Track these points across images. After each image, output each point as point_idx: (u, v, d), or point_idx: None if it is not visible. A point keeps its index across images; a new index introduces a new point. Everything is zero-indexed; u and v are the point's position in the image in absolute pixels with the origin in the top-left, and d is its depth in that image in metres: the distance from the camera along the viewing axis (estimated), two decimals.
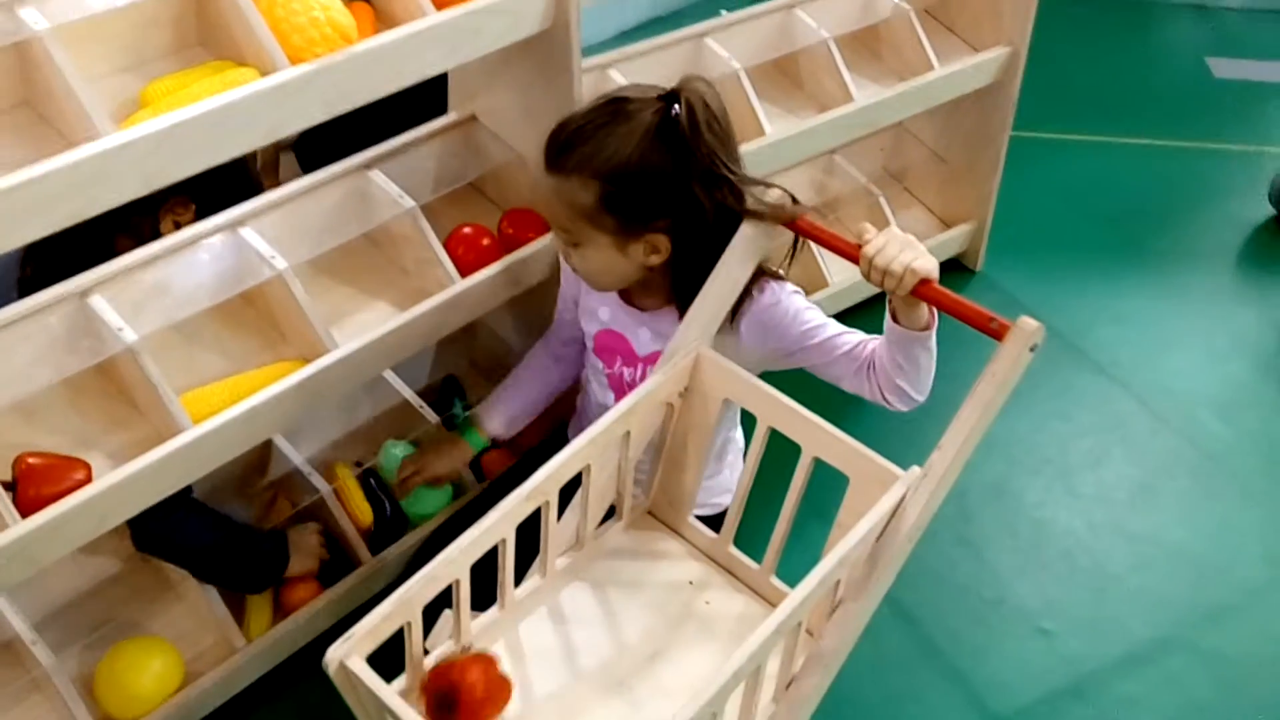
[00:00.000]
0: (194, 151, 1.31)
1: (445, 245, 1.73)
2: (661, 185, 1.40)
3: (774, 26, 2.18)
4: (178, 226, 1.68)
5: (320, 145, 2.06)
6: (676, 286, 1.50)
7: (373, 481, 1.90)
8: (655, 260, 1.46)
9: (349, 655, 1.09)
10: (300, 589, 1.75)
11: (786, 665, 1.24)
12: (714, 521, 1.45)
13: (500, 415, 1.77)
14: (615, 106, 1.41)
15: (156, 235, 1.69)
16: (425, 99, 1.99)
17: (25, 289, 1.49)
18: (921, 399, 1.42)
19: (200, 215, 1.66)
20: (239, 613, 1.72)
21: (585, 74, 1.72)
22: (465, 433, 1.79)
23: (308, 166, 2.11)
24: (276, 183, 2.20)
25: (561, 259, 1.64)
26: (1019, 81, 2.33)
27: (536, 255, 1.79)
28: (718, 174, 1.40)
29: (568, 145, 1.41)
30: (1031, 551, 2.05)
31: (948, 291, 1.26)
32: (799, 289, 1.51)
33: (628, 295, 1.58)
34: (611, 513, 1.45)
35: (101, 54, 1.37)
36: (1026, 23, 2.25)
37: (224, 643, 1.68)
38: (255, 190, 1.73)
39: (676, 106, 1.39)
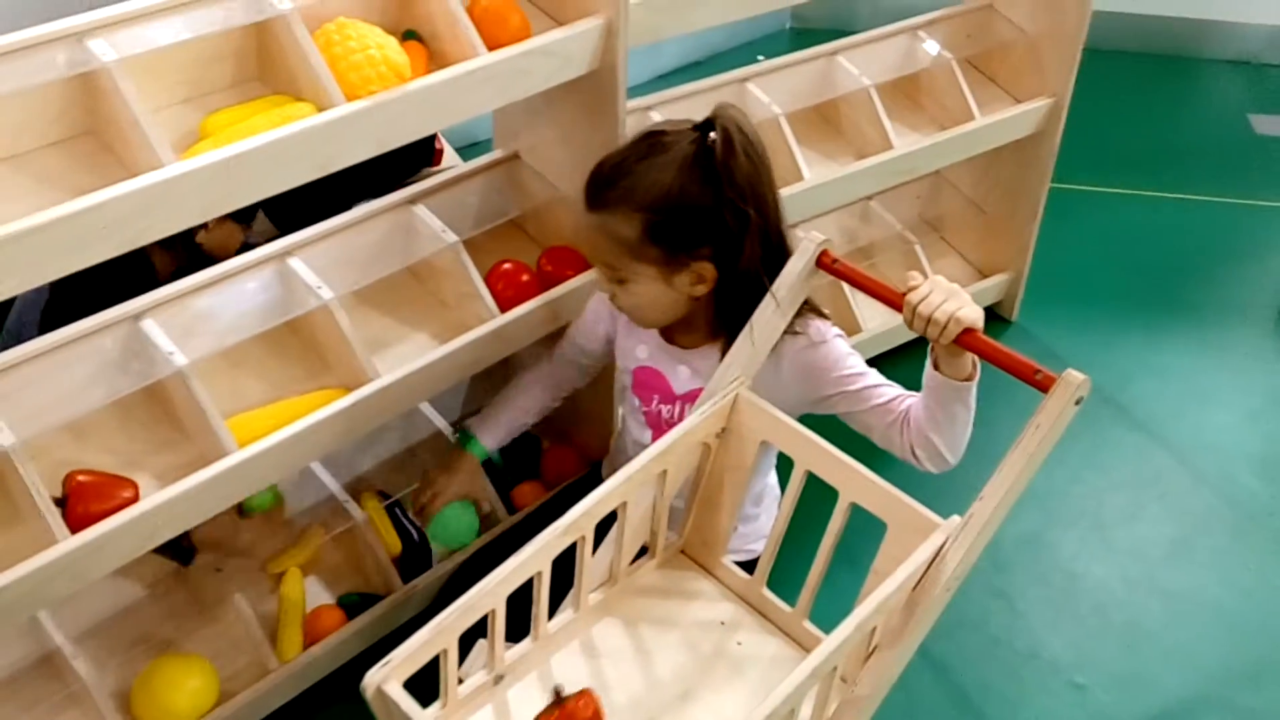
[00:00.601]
0: (251, 182, 1.34)
1: (485, 280, 1.76)
2: (703, 212, 1.42)
3: (816, 73, 2.20)
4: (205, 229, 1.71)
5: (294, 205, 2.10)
6: (720, 316, 1.51)
7: (398, 511, 1.92)
8: (701, 290, 1.47)
9: (386, 680, 1.10)
10: (326, 618, 1.77)
11: (820, 710, 1.24)
12: (748, 568, 1.45)
13: (496, 435, 1.81)
14: (652, 140, 1.44)
15: (190, 243, 1.73)
16: (401, 162, 2.05)
17: (47, 316, 1.51)
18: (952, 460, 1.41)
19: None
20: (272, 635, 1.73)
21: (628, 115, 1.74)
22: (468, 444, 1.80)
23: (282, 225, 2.15)
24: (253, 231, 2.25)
25: (600, 295, 1.66)
26: (1060, 133, 2.34)
27: (575, 292, 1.81)
28: (754, 199, 1.42)
29: (608, 181, 1.44)
30: (1065, 604, 2.04)
31: (992, 341, 1.26)
32: (842, 332, 1.52)
33: (668, 333, 1.59)
34: (644, 551, 1.46)
35: (164, 86, 1.41)
36: (1069, 74, 2.27)
37: (257, 664, 1.69)
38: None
39: (712, 134, 1.41)
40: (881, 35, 2.28)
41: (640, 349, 1.61)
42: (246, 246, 1.97)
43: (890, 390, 1.47)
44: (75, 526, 1.36)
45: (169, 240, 1.66)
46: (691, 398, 1.58)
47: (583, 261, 1.85)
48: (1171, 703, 1.89)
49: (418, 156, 2.27)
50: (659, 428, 1.64)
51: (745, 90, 2.09)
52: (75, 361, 1.46)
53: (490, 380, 2.10)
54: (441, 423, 2.00)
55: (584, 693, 1.24)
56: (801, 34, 3.55)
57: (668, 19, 1.74)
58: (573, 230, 1.86)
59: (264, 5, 1.39)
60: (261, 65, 1.48)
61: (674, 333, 1.58)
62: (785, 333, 1.47)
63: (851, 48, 2.23)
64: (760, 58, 2.22)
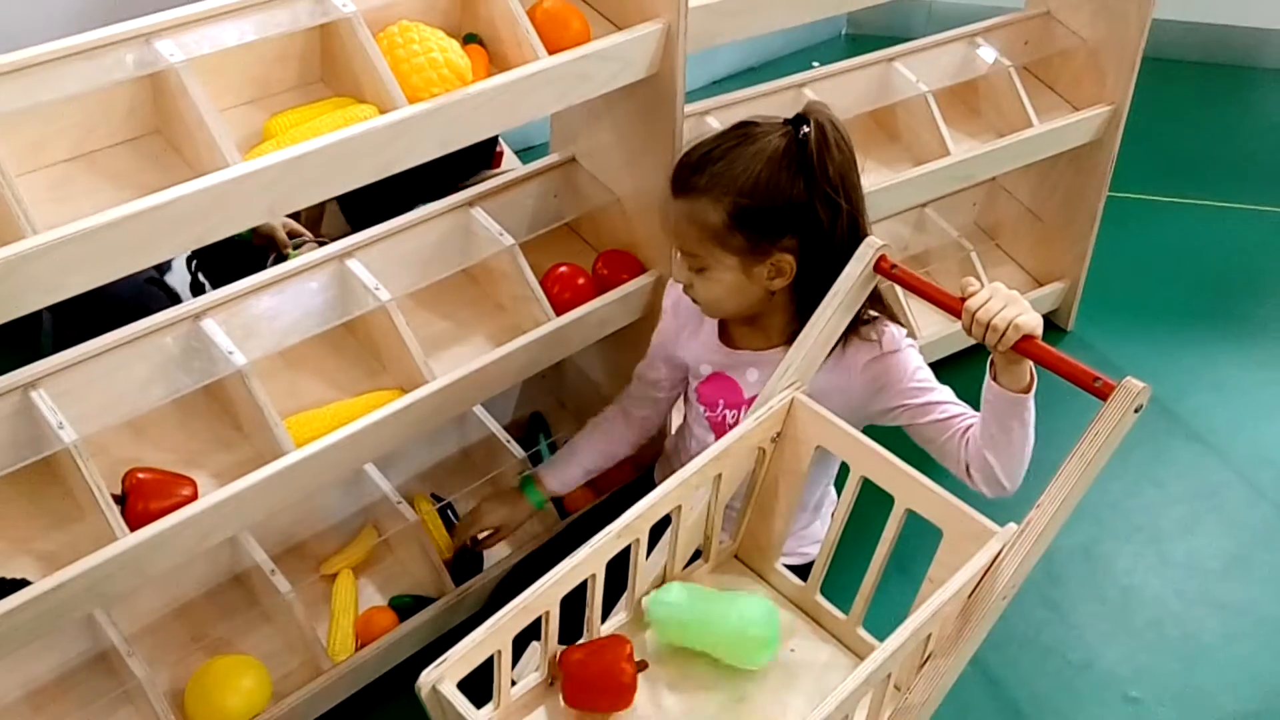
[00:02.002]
0: (314, 183, 1.36)
1: (541, 283, 1.76)
2: (789, 204, 1.42)
3: (873, 79, 2.19)
4: None
5: (367, 202, 2.11)
6: (800, 314, 1.50)
7: (451, 514, 1.92)
8: (779, 283, 1.47)
9: (441, 679, 1.11)
10: (378, 620, 1.78)
11: (873, 717, 1.23)
12: (800, 572, 1.45)
13: (561, 478, 1.78)
14: (744, 130, 1.45)
15: None
16: (462, 164, 2.06)
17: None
18: (1009, 486, 1.40)
19: None
20: (325, 636, 1.74)
21: (685, 120, 1.74)
22: (525, 488, 1.79)
23: (355, 222, 2.17)
24: (319, 232, 2.28)
25: (665, 309, 1.66)
26: (1118, 141, 2.31)
27: (630, 296, 1.81)
28: (844, 193, 1.43)
29: (698, 167, 1.44)
30: (1120, 617, 2.01)
31: (1050, 348, 1.25)
32: (914, 342, 1.52)
33: (731, 340, 1.58)
34: (698, 555, 1.46)
35: (229, 87, 1.43)
36: (1129, 83, 2.24)
37: (310, 664, 1.70)
38: None
39: (805, 127, 1.42)
40: (939, 42, 2.26)
41: (704, 367, 1.60)
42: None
43: (954, 408, 1.46)
44: (134, 524, 1.37)
45: None
46: None
47: (638, 265, 1.85)
48: (1227, 718, 1.86)
49: (478, 159, 2.28)
50: (723, 431, 1.62)
51: (802, 96, 2.08)
52: (136, 360, 1.48)
53: (544, 383, 2.11)
54: (495, 426, 2.00)
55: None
56: (857, 40, 3.53)
57: (726, 23, 1.74)
58: (628, 234, 1.87)
59: (328, 8, 1.40)
60: (325, 67, 1.49)
61: (742, 338, 1.58)
62: (859, 339, 1.47)
63: (909, 54, 2.21)
64: (815, 64, 2.21)
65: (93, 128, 1.35)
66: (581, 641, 1.29)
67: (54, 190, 1.31)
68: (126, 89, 1.33)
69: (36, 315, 1.26)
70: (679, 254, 1.51)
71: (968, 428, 1.42)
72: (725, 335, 1.60)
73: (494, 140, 2.36)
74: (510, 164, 2.48)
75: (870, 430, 1.39)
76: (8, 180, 1.19)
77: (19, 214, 1.18)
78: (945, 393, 1.48)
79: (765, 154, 1.42)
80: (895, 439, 1.39)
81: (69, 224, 1.20)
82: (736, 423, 1.59)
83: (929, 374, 1.50)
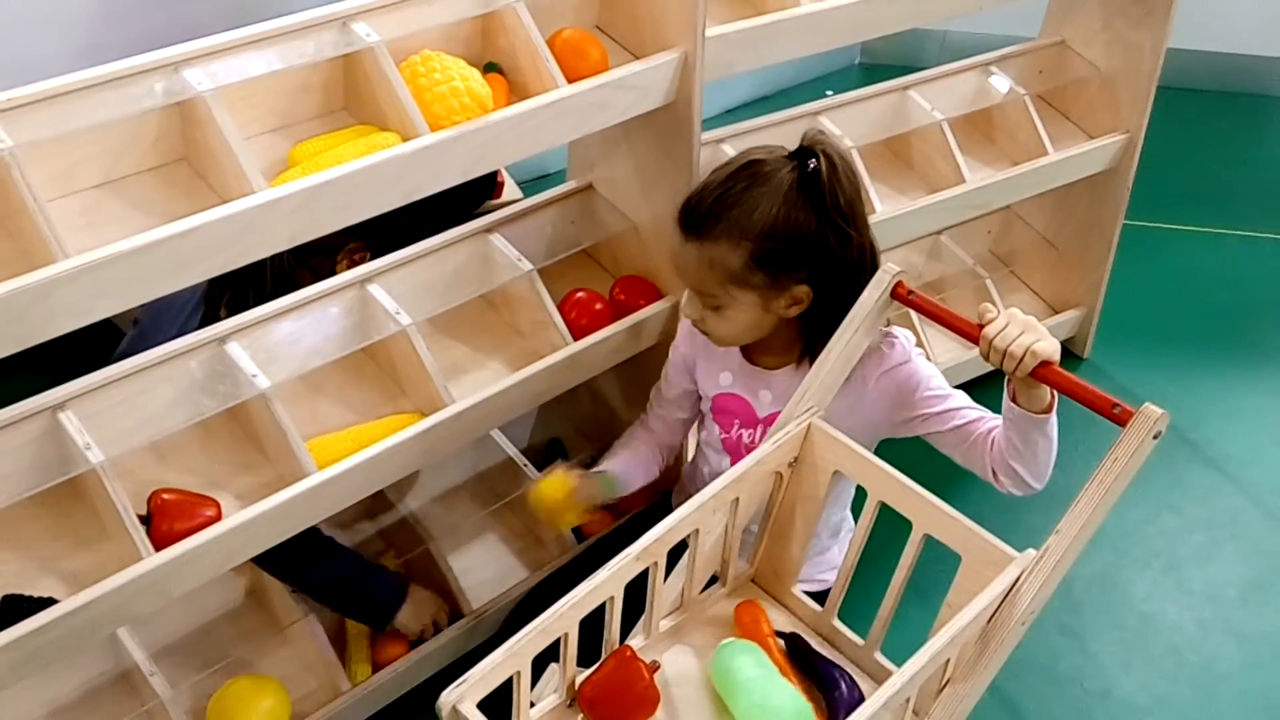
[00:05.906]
0: (338, 209, 1.38)
1: (559, 309, 1.78)
2: (806, 237, 1.44)
3: (888, 107, 2.21)
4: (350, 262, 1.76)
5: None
6: (805, 336, 1.52)
7: None
8: (795, 311, 1.49)
9: (461, 700, 1.12)
10: (391, 648, 1.78)
11: None
12: (819, 599, 1.45)
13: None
14: (752, 169, 1.45)
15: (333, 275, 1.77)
16: (463, 197, 2.08)
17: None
18: (1037, 486, 1.41)
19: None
20: (343, 657, 1.76)
21: (701, 148, 1.76)
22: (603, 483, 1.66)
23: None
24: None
25: (682, 326, 1.67)
26: (1134, 169, 2.32)
27: (647, 321, 1.83)
28: (854, 221, 1.45)
29: (712, 212, 1.45)
30: (1138, 645, 2.01)
31: (1068, 375, 1.26)
32: (922, 350, 1.53)
33: (750, 354, 1.60)
34: (715, 580, 1.46)
35: (255, 115, 1.45)
36: (1144, 111, 2.25)
37: (329, 686, 1.71)
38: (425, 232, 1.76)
39: (813, 161, 1.43)
40: (953, 70, 2.28)
41: (724, 375, 1.62)
42: None
43: (973, 412, 1.47)
44: (159, 544, 1.38)
45: (318, 274, 1.69)
46: (772, 421, 1.57)
47: (655, 291, 1.87)
48: None
49: (481, 190, 2.30)
50: (738, 453, 1.64)
51: (817, 123, 2.10)
52: (161, 383, 1.49)
53: (561, 408, 2.12)
54: (512, 450, 2.02)
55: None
56: (871, 69, 3.56)
57: (742, 53, 1.75)
58: (645, 260, 1.88)
59: (352, 38, 1.43)
60: (349, 96, 1.52)
61: (756, 353, 1.59)
62: (867, 353, 1.48)
63: (923, 83, 2.23)
64: (829, 92, 2.23)
65: (121, 155, 1.37)
66: (589, 672, 1.29)
67: (84, 216, 1.33)
68: (155, 117, 1.35)
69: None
70: (691, 292, 1.52)
71: (989, 430, 1.43)
72: (745, 351, 1.61)
73: (494, 170, 2.37)
74: (512, 194, 2.49)
75: (887, 453, 1.40)
76: (40, 205, 1.21)
77: (50, 238, 1.21)
78: (961, 398, 1.49)
79: (780, 193, 1.43)
80: (912, 463, 1.40)
81: (98, 249, 1.22)
82: (752, 443, 1.61)
83: (943, 380, 1.51)
